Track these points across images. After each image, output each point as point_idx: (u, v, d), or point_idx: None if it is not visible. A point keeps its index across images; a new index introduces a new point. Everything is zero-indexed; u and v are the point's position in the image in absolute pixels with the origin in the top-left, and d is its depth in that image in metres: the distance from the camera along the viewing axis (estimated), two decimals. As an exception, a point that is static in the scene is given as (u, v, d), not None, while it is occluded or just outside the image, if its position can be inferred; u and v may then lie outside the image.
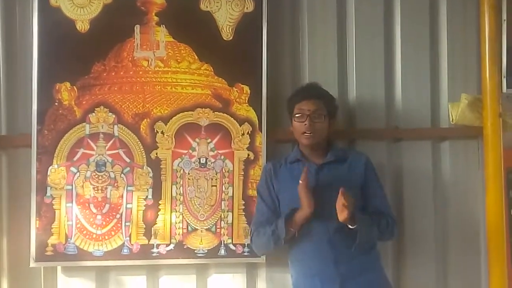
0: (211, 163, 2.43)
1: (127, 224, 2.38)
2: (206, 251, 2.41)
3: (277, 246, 2.17)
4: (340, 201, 2.00)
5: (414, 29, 2.57)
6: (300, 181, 2.07)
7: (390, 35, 2.58)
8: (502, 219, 2.45)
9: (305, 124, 2.16)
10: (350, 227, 2.05)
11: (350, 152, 2.35)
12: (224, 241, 2.42)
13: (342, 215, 2.00)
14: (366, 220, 2.09)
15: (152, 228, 2.39)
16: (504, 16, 2.54)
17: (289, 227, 2.09)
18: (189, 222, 2.41)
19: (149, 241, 2.38)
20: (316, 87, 2.29)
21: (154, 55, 2.42)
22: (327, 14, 2.55)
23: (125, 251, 2.37)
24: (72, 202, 2.36)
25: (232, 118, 2.44)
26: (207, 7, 2.44)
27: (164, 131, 2.41)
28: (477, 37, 2.53)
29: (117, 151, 2.39)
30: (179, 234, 2.40)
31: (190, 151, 2.42)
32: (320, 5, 2.55)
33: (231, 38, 2.45)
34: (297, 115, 2.19)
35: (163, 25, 2.42)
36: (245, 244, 2.41)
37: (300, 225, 2.11)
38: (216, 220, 2.42)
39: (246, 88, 2.44)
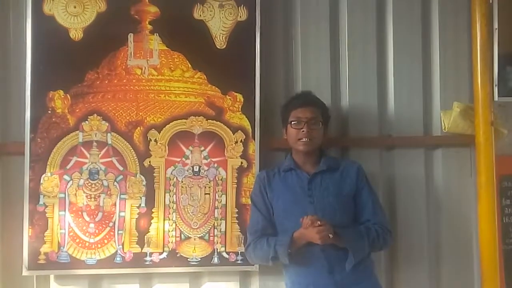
0: (205, 171, 2.43)
1: (120, 232, 2.37)
2: (199, 259, 2.40)
3: (274, 264, 2.17)
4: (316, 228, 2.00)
5: (407, 37, 2.59)
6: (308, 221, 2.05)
7: (382, 43, 2.60)
8: (494, 227, 2.45)
9: (303, 131, 2.17)
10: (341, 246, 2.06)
11: (343, 160, 2.36)
12: (217, 249, 2.42)
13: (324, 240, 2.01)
14: (354, 236, 2.09)
15: (145, 236, 2.38)
16: (496, 25, 2.57)
17: (288, 251, 2.08)
18: (182, 230, 2.41)
19: (142, 249, 2.38)
20: (311, 95, 2.31)
21: (148, 63, 2.43)
22: (320, 22, 2.56)
23: (118, 259, 2.37)
24: (65, 210, 2.36)
25: (225, 126, 2.44)
26: (200, 15, 2.45)
27: (157, 139, 2.41)
28: (469, 46, 2.55)
29: (110, 159, 2.39)
30: (172, 242, 2.40)
31: (184, 159, 2.43)
32: (313, 13, 2.56)
33: (224, 46, 2.45)
34: (293, 122, 2.20)
35: (157, 34, 2.43)
36: (238, 252, 2.41)
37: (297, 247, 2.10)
38: (209, 228, 2.42)
39: (240, 96, 2.44)
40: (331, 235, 1.99)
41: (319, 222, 2.00)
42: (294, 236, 2.08)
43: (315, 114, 2.21)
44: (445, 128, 2.55)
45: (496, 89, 2.55)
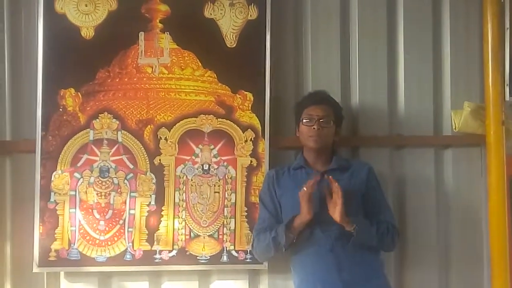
0: (214, 169, 2.44)
1: (130, 230, 2.38)
2: (209, 257, 2.41)
3: (278, 252, 2.17)
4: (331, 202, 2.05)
5: (417, 36, 2.58)
6: (304, 188, 2.07)
7: (393, 43, 2.59)
8: (505, 227, 2.45)
9: (314, 128, 2.17)
10: (349, 229, 2.07)
11: (354, 161, 2.36)
12: (226, 248, 2.42)
13: (335, 212, 2.04)
14: (363, 221, 2.11)
15: (155, 234, 2.39)
16: (507, 25, 2.55)
17: (288, 233, 2.10)
18: (191, 228, 2.41)
19: (151, 247, 2.39)
20: (325, 94, 2.31)
21: (158, 61, 2.43)
22: (330, 21, 2.56)
23: (128, 257, 2.38)
24: (75, 208, 2.37)
25: (235, 125, 2.45)
26: (211, 14, 2.46)
27: (167, 137, 2.42)
28: (480, 45, 2.54)
29: (120, 157, 2.40)
30: (181, 240, 2.40)
31: (193, 157, 2.43)
32: (323, 12, 2.56)
33: (234, 45, 2.46)
34: (305, 120, 2.21)
35: (167, 32, 2.43)
36: (247, 251, 2.41)
37: (299, 231, 2.11)
38: (218, 227, 2.43)
39: (250, 95, 2.45)
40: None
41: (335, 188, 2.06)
42: (293, 217, 2.11)
43: (327, 112, 2.21)
44: (455, 127, 2.55)
45: (507, 89, 2.54)
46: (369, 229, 2.11)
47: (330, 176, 2.09)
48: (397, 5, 2.60)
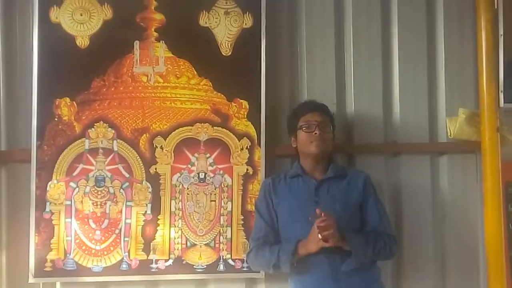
0: (210, 178, 2.43)
1: (126, 239, 2.38)
2: (205, 266, 2.40)
3: (275, 272, 2.16)
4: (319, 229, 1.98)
5: (412, 44, 2.59)
6: (316, 224, 2.00)
7: (387, 50, 2.60)
8: (501, 233, 2.45)
9: (315, 133, 2.17)
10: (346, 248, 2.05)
11: (350, 169, 2.36)
12: (223, 256, 2.42)
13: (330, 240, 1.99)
14: (360, 241, 2.08)
15: (151, 243, 2.39)
16: (501, 31, 2.56)
17: (292, 260, 2.07)
18: (188, 237, 2.41)
19: (148, 256, 2.38)
20: (319, 102, 2.31)
21: (154, 70, 2.43)
22: (325, 29, 2.57)
23: (124, 266, 2.37)
24: (71, 218, 2.36)
25: (231, 133, 2.45)
26: (206, 23, 2.46)
27: (163, 146, 2.41)
28: (474, 52, 2.55)
29: (116, 166, 2.40)
30: (178, 249, 2.40)
31: (189, 166, 2.43)
32: (318, 20, 2.57)
33: (230, 53, 2.46)
34: (304, 127, 2.20)
35: (163, 41, 2.44)
36: (244, 260, 2.40)
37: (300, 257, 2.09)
38: (215, 235, 2.42)
39: (245, 103, 2.45)
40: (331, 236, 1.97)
41: (323, 219, 1.97)
42: (298, 244, 2.07)
43: (324, 118, 2.22)
44: (450, 134, 2.55)
45: (501, 96, 2.54)
46: (365, 247, 2.08)
47: (317, 209, 2.01)
48: (391, 13, 2.61)
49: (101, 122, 2.40)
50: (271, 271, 2.17)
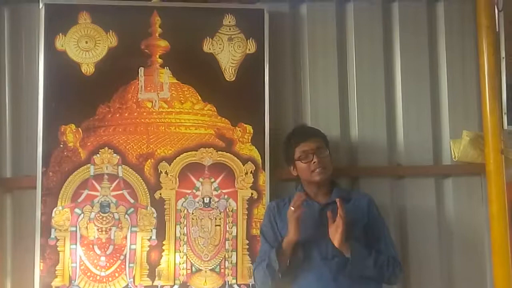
0: (215, 202, 2.44)
1: (131, 265, 2.37)
2: (211, 291, 2.40)
3: (275, 279, 2.12)
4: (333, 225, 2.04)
5: (414, 67, 2.61)
6: (291, 207, 2.06)
7: (390, 74, 2.62)
8: (507, 255, 2.43)
9: (314, 162, 2.17)
10: (347, 256, 2.05)
11: (354, 192, 2.36)
12: (228, 282, 2.40)
13: (336, 236, 2.03)
14: (360, 249, 2.09)
15: (156, 269, 2.38)
16: (503, 54, 2.57)
17: (280, 257, 2.08)
18: (193, 262, 2.40)
19: (153, 282, 2.37)
20: (309, 127, 2.33)
21: (158, 96, 2.46)
22: (327, 54, 2.59)
23: (129, 292, 2.37)
24: (76, 244, 2.36)
25: (235, 158, 2.45)
26: (210, 49, 2.49)
27: (168, 171, 2.42)
28: (477, 75, 2.57)
29: (121, 191, 2.40)
30: (183, 275, 2.39)
31: (194, 190, 2.43)
32: (321, 45, 2.59)
33: (233, 78, 2.48)
34: (302, 157, 2.20)
35: (167, 67, 2.46)
36: (249, 285, 2.40)
37: (289, 253, 2.08)
38: (220, 260, 2.41)
39: (249, 128, 2.46)
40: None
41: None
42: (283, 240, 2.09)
43: (319, 143, 2.21)
44: (455, 157, 2.55)
45: (505, 118, 2.54)
46: (365, 258, 2.08)
47: (338, 199, 2.07)
48: (393, 37, 2.63)
49: (106, 148, 2.41)
50: (269, 280, 2.11)
